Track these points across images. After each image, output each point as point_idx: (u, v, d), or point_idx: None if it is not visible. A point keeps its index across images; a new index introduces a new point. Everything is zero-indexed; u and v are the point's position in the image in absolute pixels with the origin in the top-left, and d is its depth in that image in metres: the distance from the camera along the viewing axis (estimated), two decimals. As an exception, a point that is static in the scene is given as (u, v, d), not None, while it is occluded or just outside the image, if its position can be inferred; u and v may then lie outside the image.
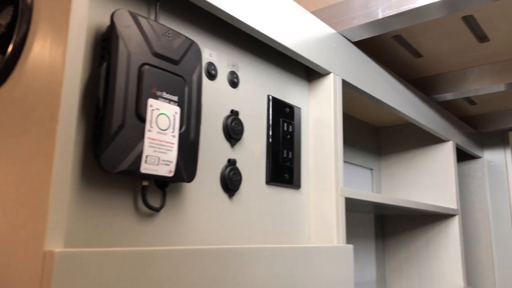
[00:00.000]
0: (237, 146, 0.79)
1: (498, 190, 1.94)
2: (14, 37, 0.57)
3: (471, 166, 2.02)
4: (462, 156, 2.03)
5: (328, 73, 0.98)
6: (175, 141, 0.62)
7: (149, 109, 0.59)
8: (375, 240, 1.68)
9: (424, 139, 1.68)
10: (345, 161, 1.56)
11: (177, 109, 0.62)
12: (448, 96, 1.52)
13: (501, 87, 1.41)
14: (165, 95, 0.61)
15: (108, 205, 0.57)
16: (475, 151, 1.91)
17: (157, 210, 0.62)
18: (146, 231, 0.62)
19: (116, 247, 0.57)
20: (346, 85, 1.05)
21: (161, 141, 0.60)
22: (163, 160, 0.60)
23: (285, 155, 0.89)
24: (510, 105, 1.81)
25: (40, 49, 0.56)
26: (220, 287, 0.63)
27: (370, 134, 1.75)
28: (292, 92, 0.96)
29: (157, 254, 0.54)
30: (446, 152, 1.61)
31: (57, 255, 0.43)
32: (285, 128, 0.90)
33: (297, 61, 0.98)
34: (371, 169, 1.74)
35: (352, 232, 1.56)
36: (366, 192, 1.03)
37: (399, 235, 1.68)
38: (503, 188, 1.93)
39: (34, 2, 0.61)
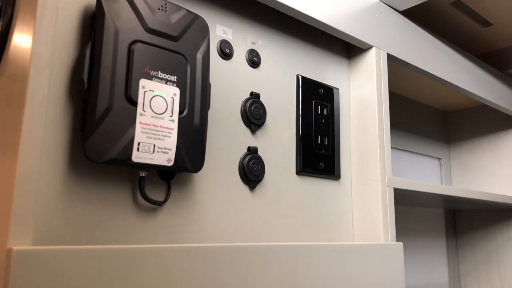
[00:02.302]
0: (259, 132, 0.71)
1: None
2: (1, 22, 0.54)
3: None
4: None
5: (370, 47, 0.86)
6: (175, 126, 0.55)
7: (141, 91, 0.52)
8: (446, 237, 1.50)
9: (501, 122, 1.46)
10: (409, 151, 1.40)
11: (176, 90, 0.55)
12: (528, 70, 1.30)
13: None
14: (160, 74, 0.54)
15: (102, 199, 0.52)
16: None
17: (160, 204, 0.56)
18: (148, 228, 0.56)
19: (112, 245, 0.52)
20: (392, 61, 0.92)
21: (157, 126, 0.53)
22: (160, 148, 0.53)
23: (319, 142, 0.79)
24: None
25: (19, 33, 0.53)
26: (231, 290, 0.55)
27: (437, 119, 1.56)
28: (328, 71, 0.85)
29: (147, 253, 0.48)
30: (528, 136, 1.39)
31: (15, 253, 0.38)
32: (319, 111, 0.80)
33: (332, 36, 0.88)
34: (440, 159, 1.55)
35: (419, 229, 1.40)
36: (420, 182, 0.89)
37: (475, 232, 1.48)
38: None
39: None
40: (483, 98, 1.18)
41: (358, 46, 0.86)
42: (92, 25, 0.52)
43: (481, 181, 1.48)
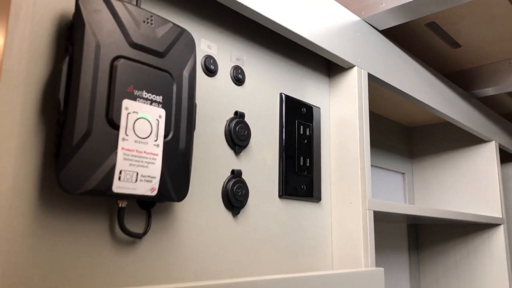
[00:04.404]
0: (242, 154, 0.67)
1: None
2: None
3: (515, 168, 1.83)
4: (505, 157, 1.84)
5: (351, 66, 0.85)
6: (159, 151, 0.50)
7: (124, 113, 0.47)
8: (408, 252, 1.52)
9: (462, 139, 1.51)
10: (373, 165, 1.41)
11: (161, 112, 0.51)
12: (490, 91, 1.35)
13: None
14: (145, 94, 0.49)
15: (76, 233, 0.46)
16: (519, 151, 1.72)
17: (139, 236, 0.51)
18: (127, 263, 0.50)
19: (85, 286, 0.46)
20: (372, 80, 0.91)
21: (140, 152, 0.48)
22: (143, 176, 0.48)
23: (301, 163, 0.76)
24: (560, 99, 1.62)
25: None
26: (218, 331, 0.51)
27: (401, 135, 1.59)
28: (309, 89, 0.82)
29: (130, 298, 0.43)
30: (487, 154, 1.44)
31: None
32: (302, 132, 0.77)
33: (315, 53, 0.85)
34: (403, 174, 1.58)
35: (382, 244, 1.41)
36: (398, 204, 0.89)
37: (436, 246, 1.52)
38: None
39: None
40: (448, 116, 1.21)
41: (340, 65, 0.85)
42: (69, 37, 0.47)
43: (442, 196, 1.52)
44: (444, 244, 1.50)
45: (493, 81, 1.31)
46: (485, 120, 1.44)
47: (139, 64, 0.49)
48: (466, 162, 1.48)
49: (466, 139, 1.49)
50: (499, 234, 1.39)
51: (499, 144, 1.52)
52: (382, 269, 0.77)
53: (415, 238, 1.57)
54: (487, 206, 1.41)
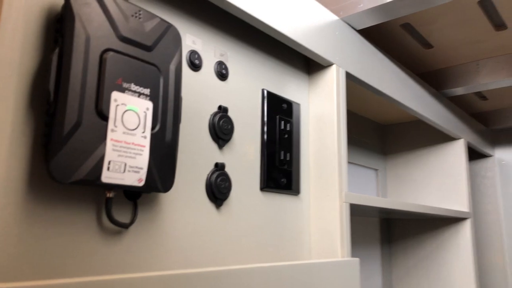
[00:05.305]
0: (226, 147, 0.68)
1: (510, 190, 1.83)
2: None
3: (481, 165, 1.91)
4: (472, 154, 1.92)
5: (330, 64, 0.88)
6: (147, 143, 0.51)
7: (112, 104, 0.48)
8: (380, 245, 1.57)
9: (433, 137, 1.57)
10: (348, 162, 1.45)
11: (149, 104, 0.52)
12: (459, 90, 1.41)
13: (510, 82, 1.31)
14: (133, 87, 0.50)
15: (64, 222, 0.47)
16: (486, 149, 1.80)
17: (126, 226, 0.52)
18: (114, 252, 0.51)
19: (73, 274, 0.47)
20: (350, 78, 0.94)
21: (128, 143, 0.49)
22: (131, 167, 0.49)
23: (282, 157, 0.78)
24: (524, 100, 1.70)
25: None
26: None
27: (375, 132, 1.64)
28: (290, 86, 0.85)
29: (117, 285, 0.44)
30: (457, 151, 1.51)
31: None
32: (282, 127, 0.80)
33: (295, 51, 0.88)
34: (376, 170, 1.63)
35: (356, 237, 1.45)
36: (373, 197, 0.93)
37: (407, 240, 1.57)
38: (515, 188, 1.82)
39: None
40: (420, 114, 1.25)
41: (319, 62, 0.87)
42: (59, 29, 0.47)
43: (413, 191, 1.57)
44: (415, 238, 1.55)
45: (462, 81, 1.37)
46: (455, 119, 1.50)
47: (127, 57, 0.50)
48: (437, 159, 1.54)
49: (437, 137, 1.55)
50: (466, 228, 1.45)
51: (468, 142, 1.58)
52: (357, 259, 0.81)
53: (388, 232, 1.62)
54: (456, 201, 1.47)
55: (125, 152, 0.49)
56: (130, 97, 0.50)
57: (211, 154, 0.66)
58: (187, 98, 0.63)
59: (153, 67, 0.53)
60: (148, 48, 0.53)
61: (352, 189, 1.46)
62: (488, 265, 1.83)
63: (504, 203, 1.83)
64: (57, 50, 0.46)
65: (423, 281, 1.50)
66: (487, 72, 1.33)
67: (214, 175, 0.65)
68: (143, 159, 0.50)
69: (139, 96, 0.51)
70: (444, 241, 1.49)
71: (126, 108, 0.49)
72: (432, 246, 1.51)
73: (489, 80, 1.33)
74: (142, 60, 0.52)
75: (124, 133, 0.49)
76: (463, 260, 1.44)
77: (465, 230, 1.45)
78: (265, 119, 0.76)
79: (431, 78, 1.40)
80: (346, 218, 0.82)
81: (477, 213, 1.89)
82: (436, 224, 1.52)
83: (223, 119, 0.67)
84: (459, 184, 1.47)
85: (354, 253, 1.42)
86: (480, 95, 1.59)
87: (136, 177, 0.50)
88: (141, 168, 0.50)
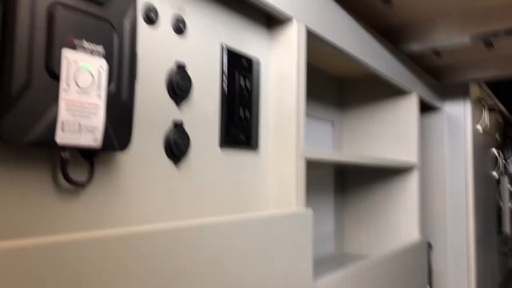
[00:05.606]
0: (184, 105, 0.68)
1: (455, 141, 1.95)
2: None
3: (431, 117, 2.00)
4: (423, 108, 2.00)
5: (289, 19, 0.87)
6: (102, 102, 0.50)
7: (64, 62, 0.46)
8: (334, 194, 1.65)
9: (387, 91, 1.61)
10: (306, 114, 1.47)
11: (102, 62, 0.50)
12: (415, 46, 1.44)
13: (466, 39, 1.35)
14: (85, 44, 0.48)
15: (18, 183, 0.46)
16: (436, 102, 1.88)
17: (83, 185, 0.52)
18: (72, 212, 0.51)
19: (30, 234, 0.47)
20: (310, 33, 0.94)
21: (82, 102, 0.48)
22: (86, 126, 0.48)
23: (241, 114, 0.79)
24: (474, 56, 1.77)
25: None
26: (165, 275, 0.54)
27: (332, 85, 1.66)
28: (250, 41, 0.84)
29: (71, 245, 0.45)
30: (409, 105, 1.56)
31: None
32: (242, 83, 0.80)
33: (255, 5, 0.86)
34: (332, 122, 1.67)
35: (311, 187, 1.51)
36: (329, 151, 0.96)
37: (359, 189, 1.66)
38: (460, 140, 1.94)
39: None
40: (376, 69, 1.28)
41: (279, 16, 0.86)
42: (0, -20, 0.44)
43: (368, 144, 1.64)
44: (367, 187, 1.64)
45: (418, 37, 1.40)
46: (409, 74, 1.55)
47: (78, 12, 0.48)
48: (390, 112, 1.60)
49: (391, 91, 1.60)
50: (413, 177, 1.54)
51: (419, 96, 1.65)
52: (311, 209, 0.85)
53: (341, 181, 1.69)
54: (405, 152, 1.55)
55: (79, 112, 0.48)
56: (82, 55, 0.48)
57: (169, 111, 0.65)
58: (143, 55, 0.62)
59: (106, 23, 0.51)
60: (100, 3, 0.50)
61: (309, 140, 1.50)
62: (431, 209, 1.97)
63: (449, 154, 1.95)
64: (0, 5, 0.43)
65: (370, 228, 1.60)
66: (442, 29, 1.37)
67: (172, 133, 0.65)
68: (98, 119, 0.49)
69: (91, 54, 0.49)
70: (392, 189, 1.58)
71: (79, 66, 0.48)
72: (381, 194, 1.60)
73: (444, 37, 1.37)
74: (94, 15, 0.50)
75: (77, 92, 0.47)
76: (409, 207, 1.54)
77: (412, 179, 1.55)
78: (224, 75, 0.76)
79: (388, 33, 1.42)
80: (302, 172, 0.85)
81: (426, 162, 2.00)
82: (387, 174, 1.60)
83: (180, 76, 0.66)
84: (410, 136, 1.55)
85: (309, 202, 1.48)
86: (434, 51, 1.64)
87: (91, 137, 0.49)
88: (96, 128, 0.49)
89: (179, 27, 0.67)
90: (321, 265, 1.37)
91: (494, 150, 2.63)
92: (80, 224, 0.52)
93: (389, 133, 1.59)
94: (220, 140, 0.74)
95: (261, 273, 0.71)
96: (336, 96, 1.69)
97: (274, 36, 0.89)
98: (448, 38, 1.37)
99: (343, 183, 1.70)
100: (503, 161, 2.99)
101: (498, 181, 2.67)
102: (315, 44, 1.21)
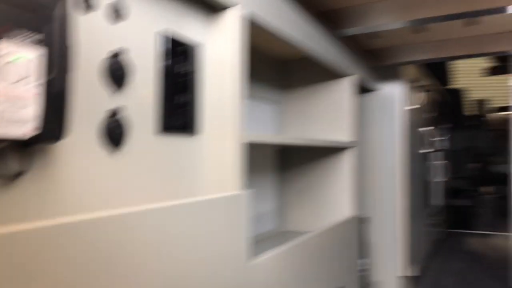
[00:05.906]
0: (121, 93, 0.68)
1: (388, 121, 2.07)
2: None
3: (368, 99, 2.11)
4: (363, 89, 2.09)
5: (230, 4, 0.87)
6: (33, 94, 0.49)
7: (-9, 55, 0.45)
8: (275, 173, 1.71)
9: (326, 74, 1.67)
10: (248, 96, 1.50)
11: (36, 52, 0.49)
12: (354, 30, 1.49)
13: (399, 24, 1.43)
14: (15, 34, 0.47)
15: None
16: (372, 85, 1.98)
17: (17, 176, 0.51)
18: (4, 202, 0.51)
19: (-41, 227, 0.46)
20: (250, 18, 0.96)
21: (11, 96, 0.47)
22: (16, 120, 0.48)
23: (180, 100, 0.80)
24: (408, 41, 1.86)
25: None
26: (103, 261, 0.56)
27: (274, 67, 1.69)
28: (190, 27, 0.84)
29: (8, 236, 0.45)
30: (345, 87, 1.63)
31: None
32: (181, 69, 0.80)
33: (195, -12, 0.86)
34: (277, 102, 1.71)
35: (253, 167, 1.56)
36: (268, 135, 1.00)
37: (298, 167, 1.73)
38: (393, 119, 2.06)
39: None
40: (315, 53, 1.32)
41: (219, 1, 0.87)
42: None
43: (307, 124, 1.70)
44: (305, 166, 1.71)
45: (356, 22, 1.45)
46: (347, 57, 1.61)
47: (6, 1, 0.46)
48: (328, 94, 1.66)
49: (329, 74, 1.66)
50: (349, 156, 1.63)
51: (357, 78, 1.72)
52: (246, 192, 0.88)
53: (281, 160, 1.75)
54: (342, 132, 1.63)
55: (8, 106, 0.47)
56: (11, 46, 0.47)
57: (105, 100, 0.65)
58: (79, 43, 0.60)
59: (38, 12, 0.50)
60: (29, -10, 0.49)
61: (253, 121, 1.53)
62: (368, 185, 2.10)
63: (383, 132, 2.07)
64: None
65: (308, 204, 1.69)
66: (379, 14, 1.43)
67: (108, 121, 0.65)
68: (29, 111, 0.49)
69: (22, 45, 0.48)
70: (329, 168, 1.66)
71: (8, 57, 0.46)
72: (318, 172, 1.68)
73: (381, 22, 1.43)
74: (24, 4, 0.48)
75: (5, 86, 0.46)
76: (344, 184, 1.63)
77: (348, 158, 1.63)
78: (162, 61, 0.76)
79: (328, 17, 1.46)
80: (241, 155, 0.88)
81: (363, 141, 2.11)
82: (324, 153, 1.68)
83: (116, 63, 0.66)
84: (345, 117, 1.62)
85: (250, 182, 1.53)
86: (372, 35, 1.71)
87: (23, 130, 0.48)
88: (28, 121, 0.49)
89: (117, 14, 0.66)
90: (262, 243, 1.43)
91: (426, 128, 2.81)
92: (14, 215, 0.52)
93: (327, 114, 1.66)
94: (158, 126, 0.75)
95: (196, 256, 0.74)
96: (281, 78, 1.72)
97: (215, 21, 0.89)
98: (385, 23, 1.43)
99: (283, 163, 1.76)
100: (435, 138, 3.21)
101: (428, 157, 2.87)
102: (257, 28, 1.23)
